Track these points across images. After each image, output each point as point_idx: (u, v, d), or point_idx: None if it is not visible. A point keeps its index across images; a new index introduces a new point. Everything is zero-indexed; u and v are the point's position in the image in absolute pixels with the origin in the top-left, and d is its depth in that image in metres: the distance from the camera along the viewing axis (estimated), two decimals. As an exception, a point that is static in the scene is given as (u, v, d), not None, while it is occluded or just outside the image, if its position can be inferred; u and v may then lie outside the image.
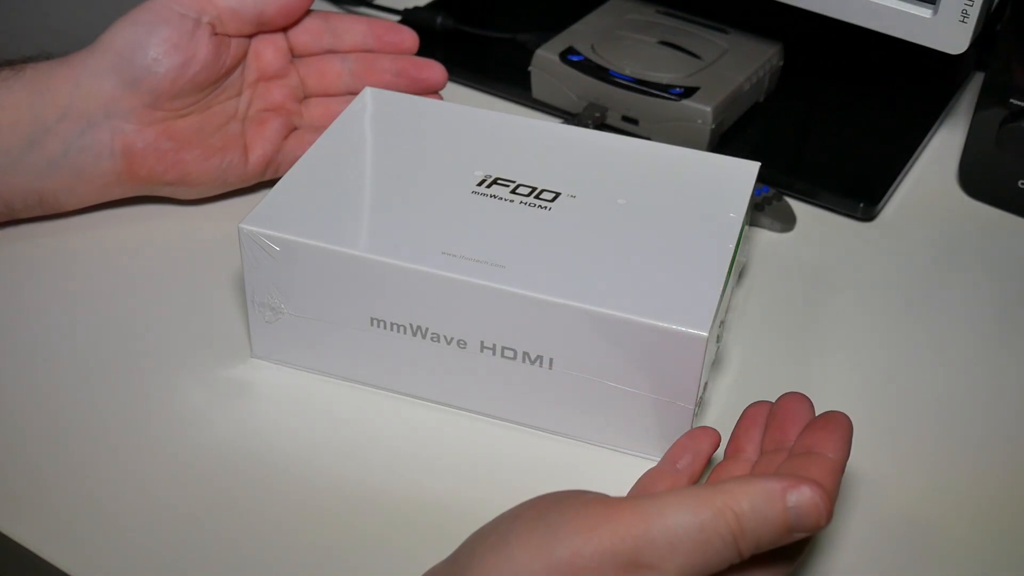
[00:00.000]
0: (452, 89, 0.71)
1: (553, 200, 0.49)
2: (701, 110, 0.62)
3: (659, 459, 0.45)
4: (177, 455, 0.46)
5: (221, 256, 0.55)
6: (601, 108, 0.65)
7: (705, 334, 0.42)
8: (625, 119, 0.65)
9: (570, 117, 0.66)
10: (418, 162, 0.51)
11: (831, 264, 0.58)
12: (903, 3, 0.56)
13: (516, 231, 0.47)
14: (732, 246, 0.47)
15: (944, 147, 0.67)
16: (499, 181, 0.50)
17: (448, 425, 0.48)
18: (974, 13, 0.55)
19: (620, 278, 0.45)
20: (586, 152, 0.52)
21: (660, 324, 0.43)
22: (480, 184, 0.49)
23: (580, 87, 0.66)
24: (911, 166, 0.65)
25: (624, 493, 0.45)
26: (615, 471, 0.46)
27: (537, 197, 0.49)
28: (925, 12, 0.56)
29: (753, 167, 0.51)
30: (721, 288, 0.44)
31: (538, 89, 0.68)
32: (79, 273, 0.55)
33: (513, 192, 0.49)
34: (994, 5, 0.57)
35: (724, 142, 0.65)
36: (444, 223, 0.47)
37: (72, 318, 0.52)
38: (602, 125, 0.65)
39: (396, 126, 0.53)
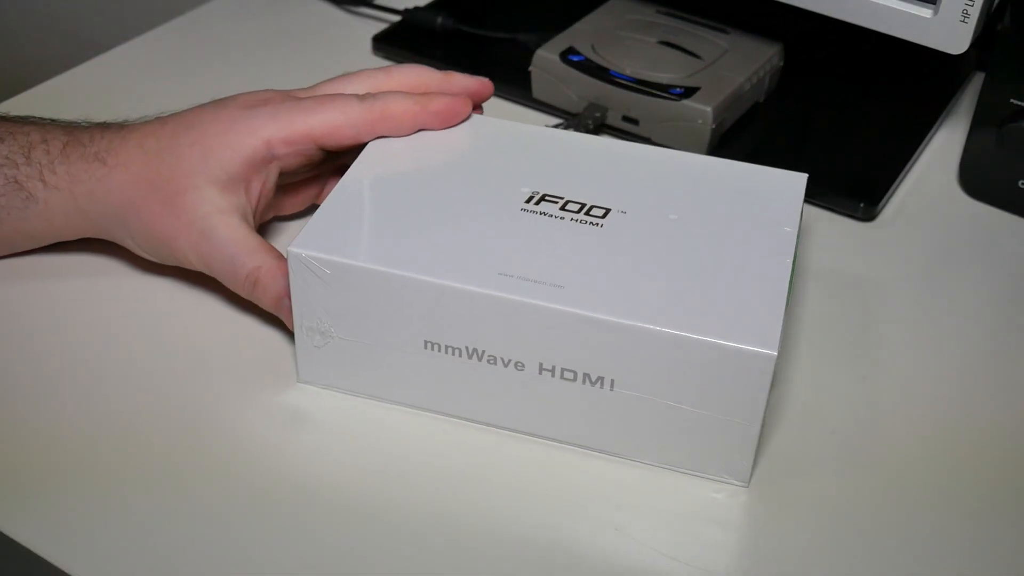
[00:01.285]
0: (452, 89, 0.71)
1: (604, 216, 0.48)
2: (701, 110, 0.62)
3: (721, 480, 0.45)
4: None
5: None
6: (601, 108, 0.65)
7: (774, 353, 0.41)
8: (625, 119, 0.65)
9: (570, 117, 0.66)
10: (461, 179, 0.50)
11: (831, 264, 0.58)
12: (903, 3, 0.56)
13: (570, 249, 0.46)
14: (790, 261, 0.46)
15: (944, 147, 0.67)
16: (547, 198, 0.49)
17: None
18: (974, 13, 0.54)
19: (681, 296, 0.44)
20: (630, 165, 0.51)
21: (728, 343, 0.42)
22: (528, 201, 0.48)
23: (580, 87, 0.66)
24: (911, 166, 0.65)
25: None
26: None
27: (587, 214, 0.48)
28: (925, 12, 0.56)
29: (801, 179, 0.50)
30: (784, 306, 0.44)
31: (538, 89, 0.68)
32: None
33: (563, 209, 0.48)
34: (994, 5, 0.57)
35: (724, 142, 0.65)
36: (496, 242, 0.46)
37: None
38: (602, 125, 0.65)
39: (434, 142, 0.52)
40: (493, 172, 0.50)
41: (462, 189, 0.49)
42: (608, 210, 0.48)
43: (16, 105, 0.68)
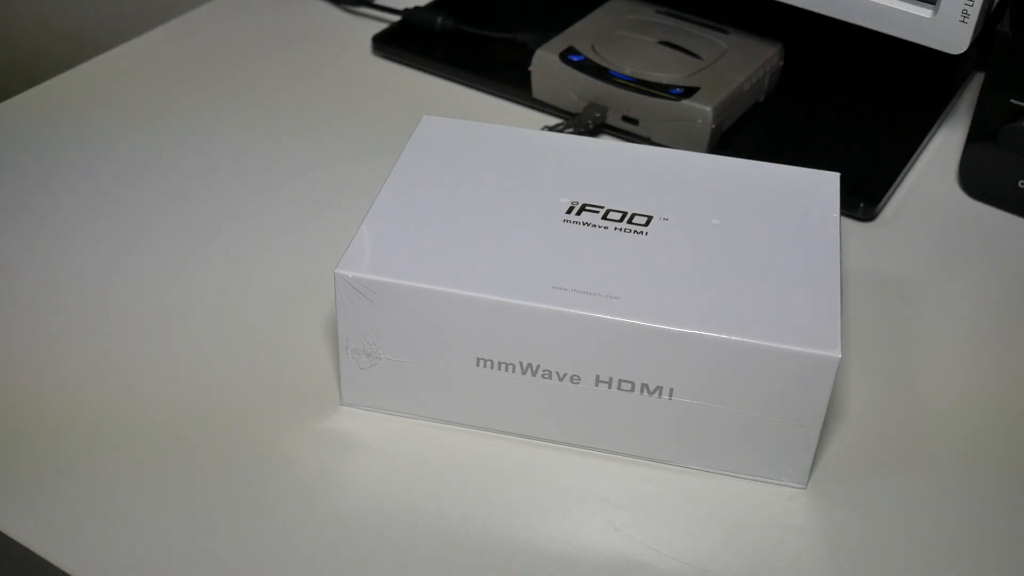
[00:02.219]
0: (453, 90, 0.71)
1: (647, 224, 0.47)
2: (701, 110, 0.62)
3: (779, 483, 0.45)
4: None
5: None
6: (601, 108, 0.65)
7: (838, 355, 0.41)
8: (625, 119, 0.65)
9: (570, 117, 0.66)
10: (500, 192, 0.49)
11: (831, 264, 0.58)
12: (903, 3, 0.56)
13: (619, 259, 0.45)
14: (838, 260, 0.46)
15: (944, 147, 0.67)
16: (588, 207, 0.48)
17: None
18: (974, 13, 0.55)
19: (738, 302, 0.44)
20: (662, 171, 0.51)
21: (791, 348, 0.42)
22: (569, 212, 0.48)
23: (580, 87, 0.66)
24: (911, 166, 0.65)
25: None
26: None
27: (630, 222, 0.48)
28: (925, 12, 0.56)
29: (834, 178, 0.51)
30: (840, 307, 0.43)
31: (538, 89, 0.68)
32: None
33: (605, 218, 0.48)
34: (994, 5, 0.57)
35: (724, 142, 0.65)
36: (544, 255, 0.46)
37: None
38: (602, 125, 0.65)
39: (466, 155, 0.52)
40: (529, 183, 0.50)
41: (501, 201, 0.49)
42: (650, 218, 0.48)
43: (16, 105, 0.68)
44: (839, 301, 0.44)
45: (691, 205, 0.49)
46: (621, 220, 0.48)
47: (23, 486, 0.45)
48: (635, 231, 0.47)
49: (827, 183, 0.51)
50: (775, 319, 0.43)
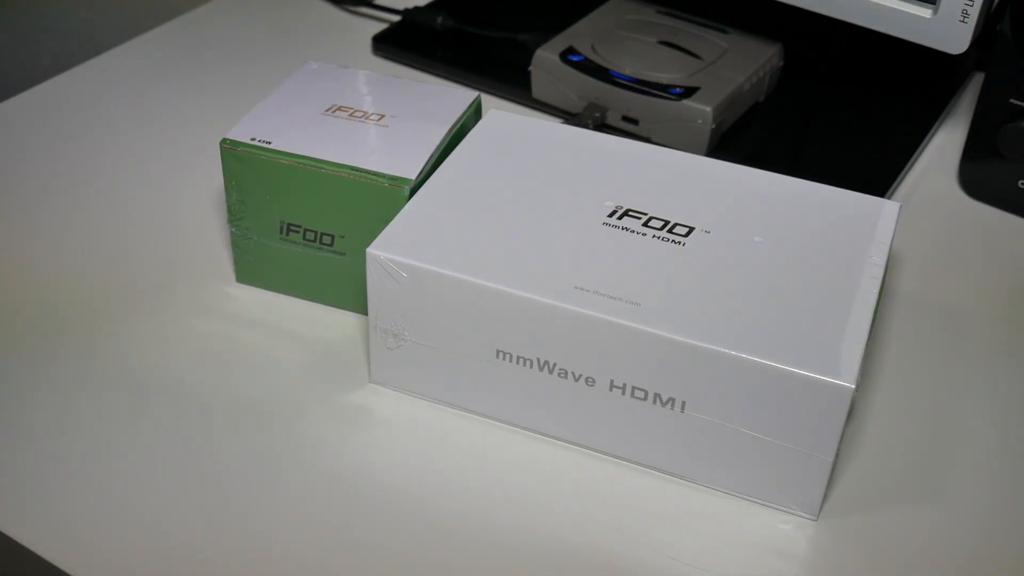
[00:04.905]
0: (452, 89, 0.71)
1: (687, 235, 0.47)
2: (701, 110, 0.62)
3: (790, 511, 0.44)
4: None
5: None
6: (601, 108, 0.65)
7: (852, 386, 0.41)
8: (625, 119, 0.65)
9: (570, 117, 0.66)
10: (546, 189, 0.49)
11: (831, 264, 0.58)
12: (903, 3, 0.56)
13: (650, 267, 0.45)
14: (875, 292, 0.45)
15: (944, 147, 0.67)
16: (630, 213, 0.48)
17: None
18: (974, 13, 0.55)
19: (760, 321, 0.43)
20: (719, 185, 0.50)
21: (803, 373, 0.41)
22: (611, 215, 0.48)
23: (580, 87, 0.66)
24: (911, 166, 0.65)
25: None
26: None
27: (670, 231, 0.47)
28: (925, 12, 0.56)
29: (893, 208, 0.49)
30: (866, 338, 0.43)
31: (538, 89, 0.68)
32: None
33: (645, 225, 0.47)
34: (994, 5, 0.57)
35: (724, 142, 0.65)
36: (575, 255, 0.46)
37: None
38: (602, 125, 0.65)
39: (522, 151, 0.52)
40: (579, 184, 0.50)
41: (546, 199, 0.49)
42: (691, 228, 0.47)
43: (16, 105, 0.68)
44: (867, 332, 0.43)
45: (737, 220, 0.48)
46: (661, 228, 0.47)
47: (20, 482, 0.45)
48: (673, 240, 0.47)
49: (885, 211, 0.49)
50: (793, 342, 0.42)
